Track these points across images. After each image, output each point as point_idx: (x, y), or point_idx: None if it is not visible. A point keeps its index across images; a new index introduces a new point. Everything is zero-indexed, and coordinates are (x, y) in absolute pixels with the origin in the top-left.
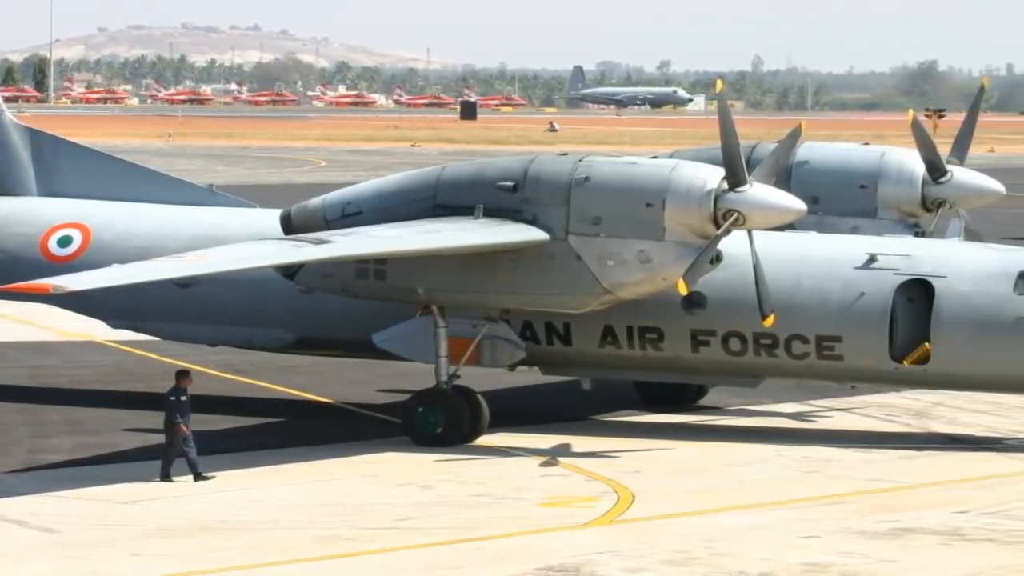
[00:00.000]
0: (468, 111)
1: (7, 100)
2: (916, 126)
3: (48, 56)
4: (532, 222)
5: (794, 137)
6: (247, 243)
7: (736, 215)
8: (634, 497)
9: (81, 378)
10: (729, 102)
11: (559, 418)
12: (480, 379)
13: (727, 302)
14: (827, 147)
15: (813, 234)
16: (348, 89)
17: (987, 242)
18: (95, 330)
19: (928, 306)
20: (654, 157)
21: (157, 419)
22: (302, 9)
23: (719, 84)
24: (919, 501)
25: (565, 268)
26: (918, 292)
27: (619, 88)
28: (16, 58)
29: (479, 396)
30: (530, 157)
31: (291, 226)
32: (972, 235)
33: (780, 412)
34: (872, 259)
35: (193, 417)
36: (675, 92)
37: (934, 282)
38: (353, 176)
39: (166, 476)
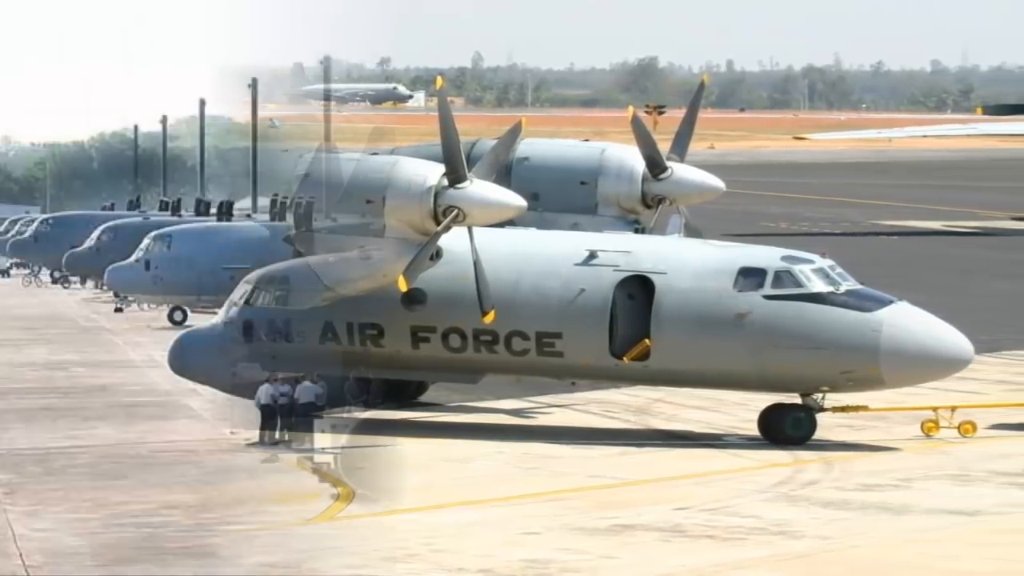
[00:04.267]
0: None
1: None
2: (636, 123)
3: None
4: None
5: (514, 134)
6: None
7: (456, 211)
8: (355, 494)
9: None
10: (449, 99)
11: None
12: None
13: (447, 298)
14: (547, 144)
15: (533, 231)
16: None
17: (707, 238)
18: None
19: (648, 303)
20: (374, 154)
21: None
22: None
23: (439, 81)
24: (639, 498)
25: None
26: (638, 289)
27: (339, 85)
28: None
29: None
30: None
31: None
32: (692, 231)
33: (501, 409)
34: (592, 256)
35: None
36: (395, 89)
37: (654, 278)
38: None
39: None
